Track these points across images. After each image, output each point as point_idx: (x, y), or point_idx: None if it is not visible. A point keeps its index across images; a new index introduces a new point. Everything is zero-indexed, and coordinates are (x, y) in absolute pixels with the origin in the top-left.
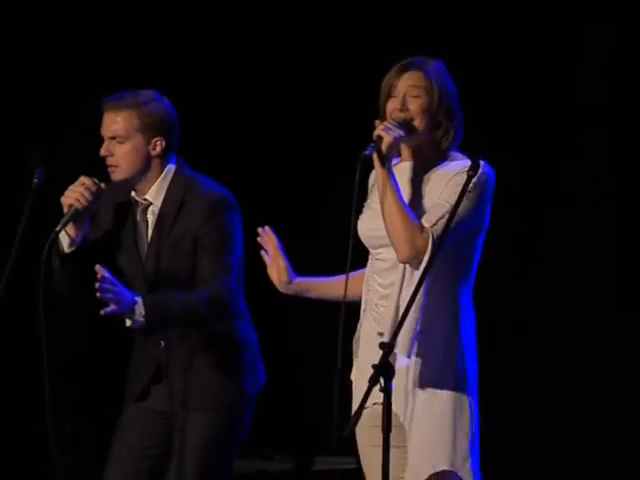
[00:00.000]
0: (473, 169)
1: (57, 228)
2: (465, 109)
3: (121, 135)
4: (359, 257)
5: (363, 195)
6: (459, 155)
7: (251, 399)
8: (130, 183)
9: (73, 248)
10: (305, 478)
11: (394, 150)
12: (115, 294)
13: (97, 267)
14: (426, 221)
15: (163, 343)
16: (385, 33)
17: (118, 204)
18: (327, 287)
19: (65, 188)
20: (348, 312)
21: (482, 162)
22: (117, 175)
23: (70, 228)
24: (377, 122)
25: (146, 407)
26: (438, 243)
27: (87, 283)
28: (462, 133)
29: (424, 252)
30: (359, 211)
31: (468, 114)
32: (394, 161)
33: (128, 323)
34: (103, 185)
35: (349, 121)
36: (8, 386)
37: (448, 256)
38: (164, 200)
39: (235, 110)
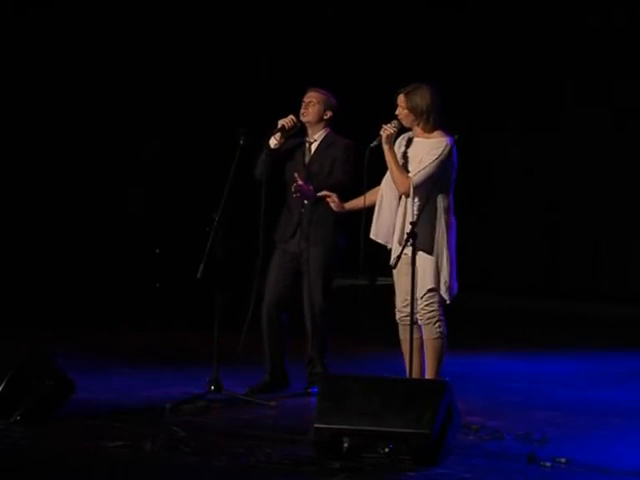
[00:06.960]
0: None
1: (272, 131)
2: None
3: (313, 102)
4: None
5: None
6: (439, 133)
7: (344, 245)
8: (308, 125)
9: (276, 147)
10: (372, 288)
11: (391, 138)
12: (304, 189)
13: (296, 174)
14: (411, 173)
15: (303, 210)
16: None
17: (296, 144)
18: (359, 203)
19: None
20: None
21: (449, 139)
22: (305, 118)
23: (277, 136)
24: (383, 125)
25: (286, 249)
26: (416, 185)
27: (273, 173)
28: (439, 121)
29: (409, 189)
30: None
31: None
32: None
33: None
34: (297, 121)
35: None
36: None
37: (433, 187)
38: (322, 141)
39: None
